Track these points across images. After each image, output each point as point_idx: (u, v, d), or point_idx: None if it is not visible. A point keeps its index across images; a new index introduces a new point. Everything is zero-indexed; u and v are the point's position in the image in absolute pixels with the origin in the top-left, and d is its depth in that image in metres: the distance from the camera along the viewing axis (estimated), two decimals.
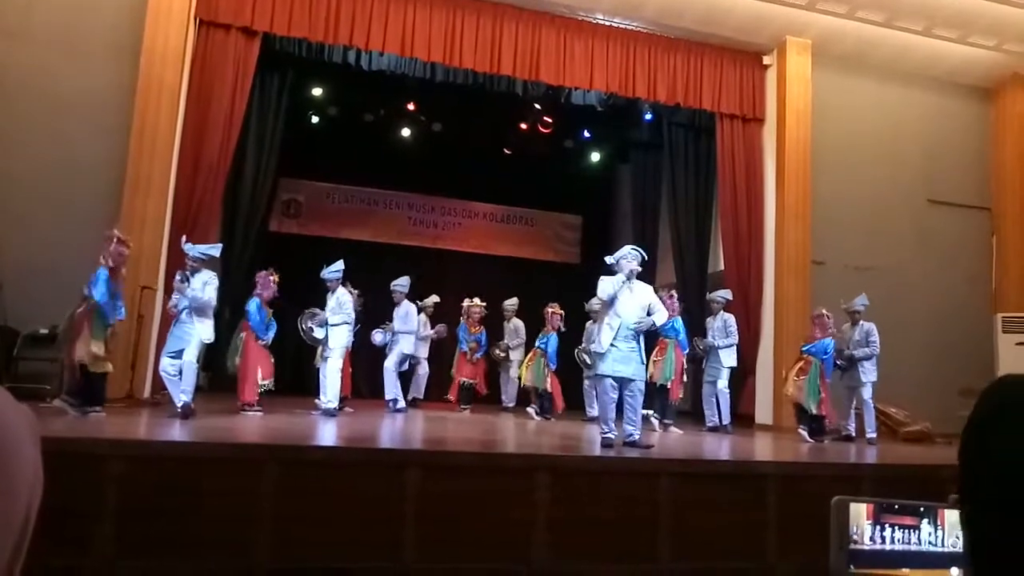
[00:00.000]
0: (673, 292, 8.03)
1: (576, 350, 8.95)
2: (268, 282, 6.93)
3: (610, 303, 5.50)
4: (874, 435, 7.37)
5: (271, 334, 6.87)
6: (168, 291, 7.32)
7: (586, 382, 8.72)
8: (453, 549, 3.95)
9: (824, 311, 7.40)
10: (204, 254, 6.19)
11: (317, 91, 10.81)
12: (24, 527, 0.53)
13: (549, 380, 8.77)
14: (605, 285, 5.51)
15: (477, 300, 9.35)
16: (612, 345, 5.39)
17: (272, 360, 6.86)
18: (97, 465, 3.69)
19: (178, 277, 6.11)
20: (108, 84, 7.37)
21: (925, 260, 9.68)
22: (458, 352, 9.31)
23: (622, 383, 5.44)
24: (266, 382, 6.67)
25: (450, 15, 8.48)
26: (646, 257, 5.74)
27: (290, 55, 8.64)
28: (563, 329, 9.02)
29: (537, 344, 8.98)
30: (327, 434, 5.52)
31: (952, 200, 9.91)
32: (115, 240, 5.67)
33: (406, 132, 11.79)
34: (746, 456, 5.83)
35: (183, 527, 3.68)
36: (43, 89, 7.21)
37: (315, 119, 11.35)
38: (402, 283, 8.46)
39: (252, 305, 6.82)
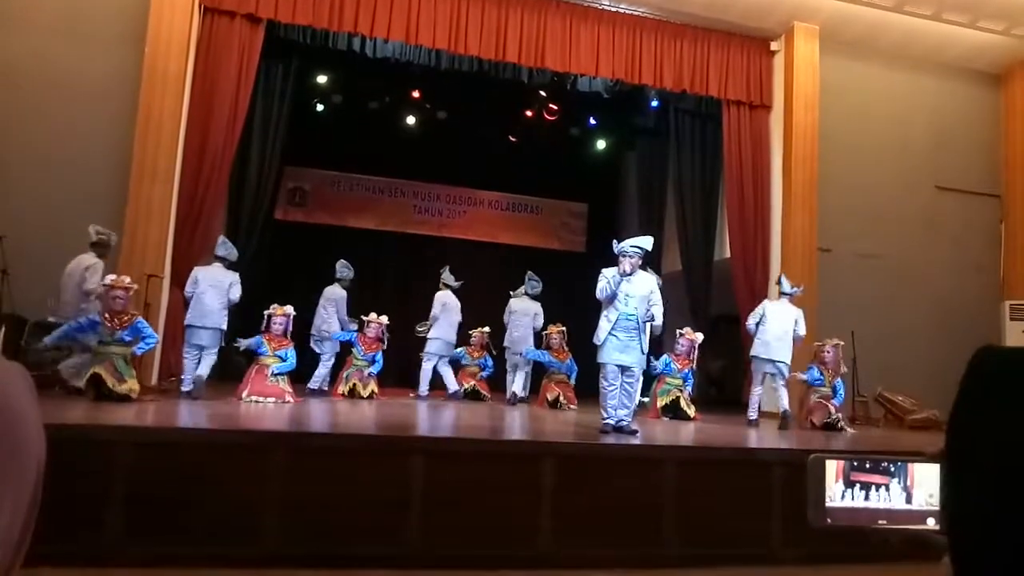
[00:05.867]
0: (695, 337, 7.94)
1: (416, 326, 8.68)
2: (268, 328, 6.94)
3: (608, 299, 5.57)
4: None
5: (287, 365, 6.79)
6: (175, 281, 7.36)
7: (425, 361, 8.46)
8: (459, 535, 3.98)
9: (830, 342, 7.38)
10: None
11: (322, 79, 10.77)
12: (37, 484, 0.54)
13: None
14: (601, 283, 5.58)
15: (486, 329, 9.01)
16: (612, 335, 5.51)
17: (270, 383, 6.64)
18: (107, 451, 3.72)
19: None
20: (113, 72, 7.36)
21: (933, 247, 9.63)
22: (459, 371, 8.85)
23: (622, 370, 5.55)
24: (252, 397, 6.48)
25: (455, 2, 8.42)
26: (649, 250, 5.68)
27: (295, 42, 8.62)
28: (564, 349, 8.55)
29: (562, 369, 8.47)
30: (334, 421, 5.54)
31: (960, 187, 9.84)
32: (107, 290, 5.76)
33: (411, 120, 11.73)
34: (751, 443, 5.83)
35: (192, 513, 3.71)
36: (48, 77, 7.21)
37: (320, 107, 11.30)
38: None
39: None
